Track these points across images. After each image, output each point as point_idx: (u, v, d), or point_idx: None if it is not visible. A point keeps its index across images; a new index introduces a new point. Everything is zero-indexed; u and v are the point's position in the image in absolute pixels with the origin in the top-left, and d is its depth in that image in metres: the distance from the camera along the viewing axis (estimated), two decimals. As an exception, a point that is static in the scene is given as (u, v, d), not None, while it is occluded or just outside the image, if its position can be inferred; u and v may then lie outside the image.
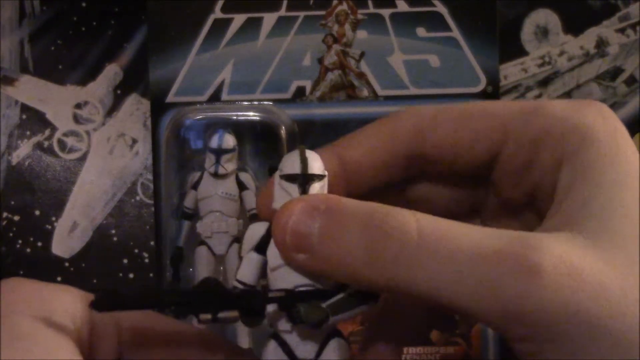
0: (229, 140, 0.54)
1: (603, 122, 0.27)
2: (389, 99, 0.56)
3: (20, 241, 0.59)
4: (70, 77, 0.60)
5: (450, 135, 0.30)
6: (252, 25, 0.56)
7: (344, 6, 0.57)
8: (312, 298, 0.27)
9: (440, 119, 0.30)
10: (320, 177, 0.28)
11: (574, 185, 0.26)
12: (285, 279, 0.28)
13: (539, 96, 0.59)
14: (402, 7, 0.56)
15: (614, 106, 0.59)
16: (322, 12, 0.57)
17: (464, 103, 0.31)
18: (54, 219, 0.59)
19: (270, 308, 0.28)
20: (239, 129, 0.56)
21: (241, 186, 0.55)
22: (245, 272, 0.29)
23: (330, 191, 0.29)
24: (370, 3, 0.57)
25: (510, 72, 0.59)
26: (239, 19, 0.56)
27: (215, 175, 0.55)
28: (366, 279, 0.26)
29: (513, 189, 0.30)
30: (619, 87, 0.59)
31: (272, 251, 0.28)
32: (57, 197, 0.60)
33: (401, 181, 0.32)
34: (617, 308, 0.23)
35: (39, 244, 0.59)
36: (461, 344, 0.57)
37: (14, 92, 0.60)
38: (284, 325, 0.28)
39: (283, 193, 0.28)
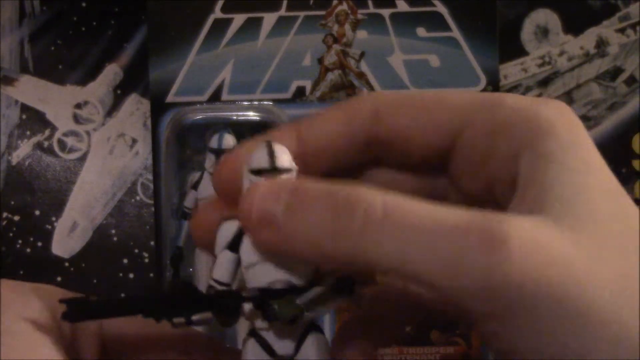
0: (229, 140, 0.55)
1: (561, 115, 0.28)
2: (389, 99, 0.56)
3: (20, 241, 0.59)
4: (70, 77, 0.60)
5: (406, 121, 0.30)
6: (252, 25, 0.56)
7: (344, 6, 0.57)
8: (287, 294, 0.27)
9: (398, 105, 0.30)
10: (288, 171, 0.28)
11: (535, 173, 0.26)
12: (260, 276, 0.28)
13: (539, 96, 0.59)
14: (402, 7, 0.56)
15: (614, 106, 0.59)
16: (322, 12, 0.56)
17: (425, 91, 0.31)
18: (54, 219, 0.59)
19: (247, 307, 0.28)
20: (239, 129, 0.56)
21: (241, 186, 0.55)
22: (220, 271, 0.29)
23: None
24: (370, 3, 0.57)
25: (510, 72, 0.59)
26: (239, 19, 0.56)
27: (215, 175, 0.55)
28: (332, 253, 0.26)
29: (471, 180, 0.30)
30: (619, 87, 0.59)
31: (245, 249, 0.28)
32: (57, 197, 0.60)
33: (360, 167, 0.32)
34: (584, 287, 0.23)
35: (39, 244, 0.59)
36: (461, 344, 0.57)
37: (14, 92, 0.60)
38: (260, 323, 0.28)
39: None
